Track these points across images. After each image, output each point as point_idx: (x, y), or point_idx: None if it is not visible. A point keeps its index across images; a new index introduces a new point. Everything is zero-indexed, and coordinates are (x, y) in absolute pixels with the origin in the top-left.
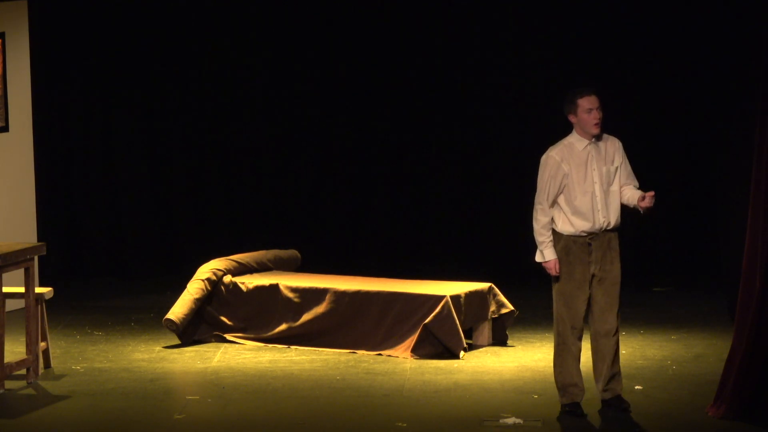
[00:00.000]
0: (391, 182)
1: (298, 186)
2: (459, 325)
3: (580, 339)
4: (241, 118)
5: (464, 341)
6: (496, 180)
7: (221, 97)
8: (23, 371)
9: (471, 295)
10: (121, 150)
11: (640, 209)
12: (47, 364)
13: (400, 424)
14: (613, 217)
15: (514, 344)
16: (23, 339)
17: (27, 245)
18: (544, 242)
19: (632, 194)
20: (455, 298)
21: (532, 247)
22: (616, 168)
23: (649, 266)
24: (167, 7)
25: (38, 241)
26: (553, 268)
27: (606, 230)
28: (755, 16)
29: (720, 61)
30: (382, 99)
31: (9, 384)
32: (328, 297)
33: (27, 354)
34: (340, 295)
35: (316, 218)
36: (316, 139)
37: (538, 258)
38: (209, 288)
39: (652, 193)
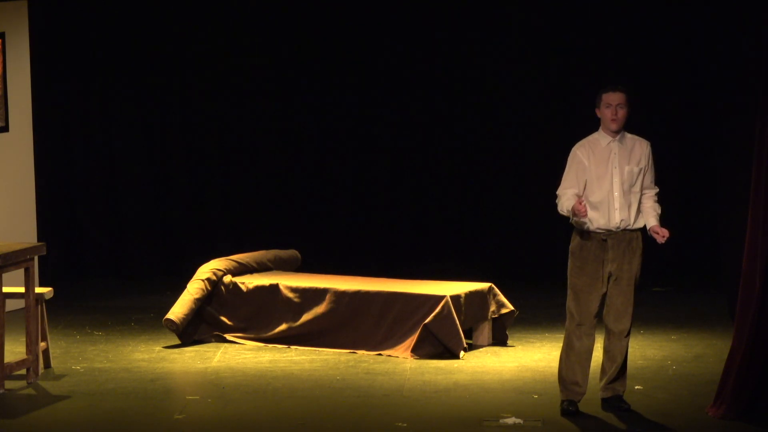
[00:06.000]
0: (391, 182)
1: (298, 186)
2: (459, 325)
3: (588, 336)
4: (241, 119)
5: (464, 341)
6: (497, 180)
7: (221, 97)
8: (23, 371)
9: (471, 295)
10: (121, 150)
11: (649, 233)
12: (47, 364)
13: (400, 424)
14: (633, 218)
15: (514, 344)
16: (23, 339)
17: (27, 245)
18: (563, 204)
19: (647, 212)
20: (455, 298)
21: (533, 247)
22: (641, 170)
23: (649, 266)
24: (167, 8)
25: (38, 241)
26: (577, 208)
27: (626, 230)
28: (755, 16)
29: (720, 61)
30: (382, 99)
31: (9, 384)
32: (328, 297)
33: (27, 354)
34: (340, 295)
35: (316, 218)
36: (316, 139)
37: (572, 221)
38: (209, 288)
39: (666, 234)
